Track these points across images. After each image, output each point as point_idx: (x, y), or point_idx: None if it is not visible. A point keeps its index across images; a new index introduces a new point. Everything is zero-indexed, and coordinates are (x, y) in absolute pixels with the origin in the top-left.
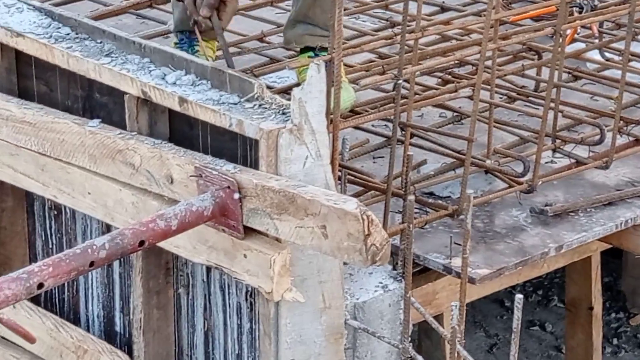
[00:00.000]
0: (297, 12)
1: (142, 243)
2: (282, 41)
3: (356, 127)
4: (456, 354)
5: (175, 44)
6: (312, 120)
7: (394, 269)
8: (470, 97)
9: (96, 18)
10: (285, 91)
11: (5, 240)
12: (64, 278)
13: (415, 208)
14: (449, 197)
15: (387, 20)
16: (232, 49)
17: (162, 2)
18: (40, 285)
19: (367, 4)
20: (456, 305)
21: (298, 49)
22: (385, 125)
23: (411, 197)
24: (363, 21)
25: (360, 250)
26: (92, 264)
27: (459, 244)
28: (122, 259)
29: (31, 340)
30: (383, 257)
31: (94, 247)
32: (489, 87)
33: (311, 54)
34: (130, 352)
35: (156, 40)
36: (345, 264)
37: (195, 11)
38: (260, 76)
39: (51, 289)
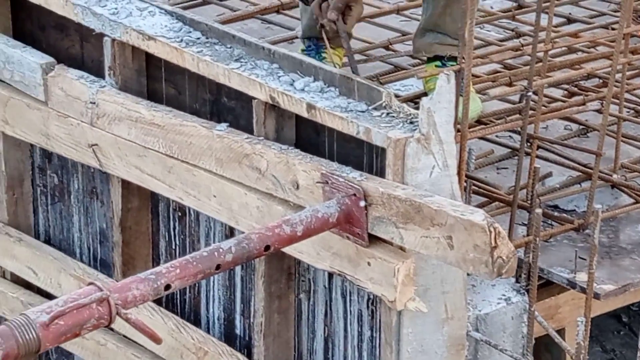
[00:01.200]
0: (426, 20)
1: (267, 248)
2: (407, 49)
3: (480, 138)
4: None
5: (303, 50)
6: (440, 130)
7: (517, 281)
8: (599, 111)
9: (223, 22)
10: (411, 99)
11: (130, 240)
12: (190, 280)
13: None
14: (574, 210)
15: (512, 30)
16: (358, 56)
17: (288, 7)
18: (168, 287)
19: (493, 14)
20: (582, 321)
21: (425, 58)
22: (509, 136)
23: (538, 210)
24: (487, 30)
25: (486, 262)
26: (218, 267)
27: (584, 259)
28: (244, 263)
29: (157, 340)
30: (509, 270)
31: (221, 250)
32: (617, 100)
33: (439, 63)
34: (249, 355)
35: (281, 45)
36: (468, 274)
37: (322, 14)
38: (385, 84)
39: None
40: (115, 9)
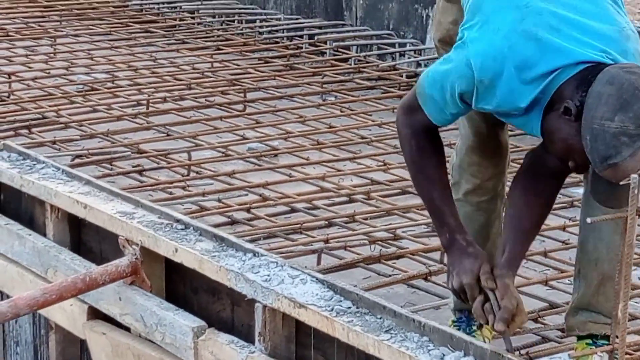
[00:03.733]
0: (579, 300)
1: None
2: (556, 322)
3: None
4: None
5: (453, 321)
6: None
7: None
8: None
9: (369, 288)
10: None
11: None
12: None
13: None
14: None
15: None
16: None
17: (436, 274)
18: None
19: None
20: None
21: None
22: None
23: None
24: (635, 302)
25: None
26: None
27: None
28: None
29: None
30: None
31: None
32: None
33: (590, 341)
34: None
35: (427, 312)
36: None
37: (484, 316)
38: (534, 358)
39: None
40: (268, 275)
